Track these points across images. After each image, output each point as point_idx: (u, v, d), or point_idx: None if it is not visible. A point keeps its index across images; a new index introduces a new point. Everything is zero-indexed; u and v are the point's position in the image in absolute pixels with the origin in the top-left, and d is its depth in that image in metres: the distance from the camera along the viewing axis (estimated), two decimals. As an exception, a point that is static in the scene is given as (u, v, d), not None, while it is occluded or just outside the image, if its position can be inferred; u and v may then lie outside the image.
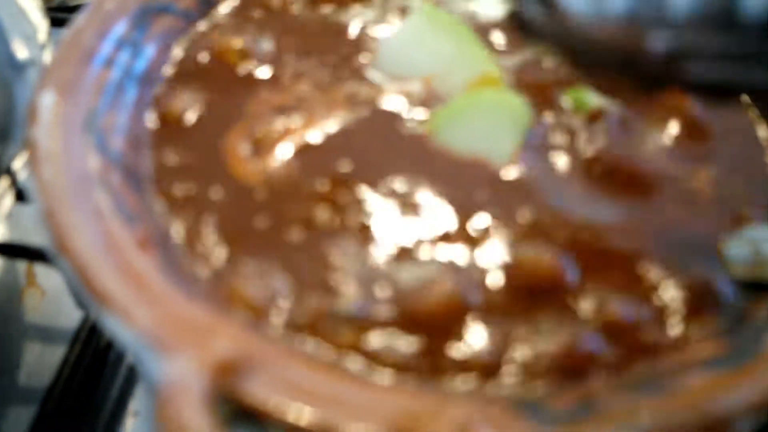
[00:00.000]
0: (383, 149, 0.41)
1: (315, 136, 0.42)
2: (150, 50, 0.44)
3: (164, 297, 0.33)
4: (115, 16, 0.43)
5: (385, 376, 0.33)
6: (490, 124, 0.41)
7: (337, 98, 0.44)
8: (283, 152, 0.41)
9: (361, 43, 0.47)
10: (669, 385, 0.32)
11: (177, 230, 0.38)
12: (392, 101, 0.44)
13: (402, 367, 0.33)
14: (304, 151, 0.41)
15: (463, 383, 0.33)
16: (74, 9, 0.50)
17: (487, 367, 0.34)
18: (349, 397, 0.31)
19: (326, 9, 0.50)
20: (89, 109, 0.39)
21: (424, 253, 0.37)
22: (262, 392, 0.30)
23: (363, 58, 0.46)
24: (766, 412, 0.31)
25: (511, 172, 0.41)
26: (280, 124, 0.42)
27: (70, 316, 0.51)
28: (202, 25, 0.48)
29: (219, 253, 0.37)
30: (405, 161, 0.41)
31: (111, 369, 0.50)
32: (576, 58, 0.36)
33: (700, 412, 0.30)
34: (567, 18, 0.34)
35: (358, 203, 0.39)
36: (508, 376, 0.34)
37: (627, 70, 0.34)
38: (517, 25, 0.36)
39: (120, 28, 0.43)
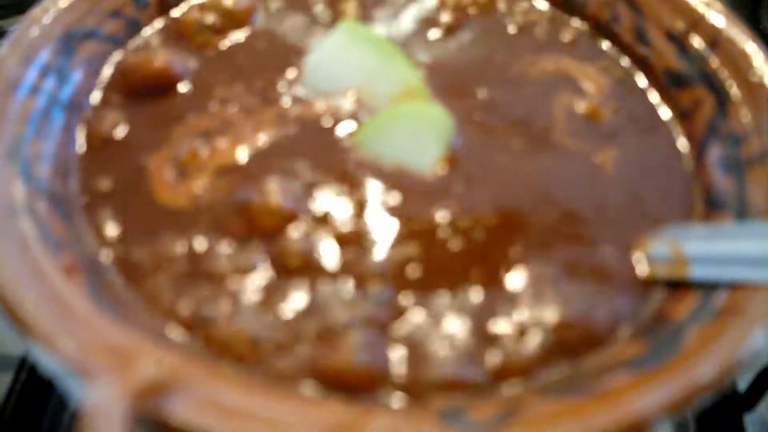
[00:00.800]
0: (311, 165, 0.42)
1: (241, 156, 0.42)
2: (77, 76, 0.44)
3: (89, 323, 0.33)
4: (39, 43, 0.43)
5: (309, 389, 0.33)
6: (414, 134, 0.42)
7: (265, 118, 0.44)
8: (209, 175, 0.41)
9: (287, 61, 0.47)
10: (590, 386, 0.33)
11: (105, 255, 0.38)
12: (319, 117, 0.44)
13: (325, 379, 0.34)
14: (231, 172, 0.41)
15: (388, 395, 0.34)
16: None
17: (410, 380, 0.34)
18: (275, 413, 0.31)
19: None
20: (14, 138, 0.39)
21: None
22: (186, 413, 0.30)
23: (290, 76, 0.46)
24: (685, 411, 0.32)
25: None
26: (206, 147, 0.42)
27: (16, 343, 0.51)
28: (128, 48, 0.48)
29: (147, 276, 0.37)
30: (333, 174, 0.41)
31: (60, 396, 0.50)
32: None
33: (621, 413, 0.31)
34: None
35: (283, 220, 0.39)
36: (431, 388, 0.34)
37: None
38: None
39: (45, 55, 0.43)
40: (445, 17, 0.51)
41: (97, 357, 0.31)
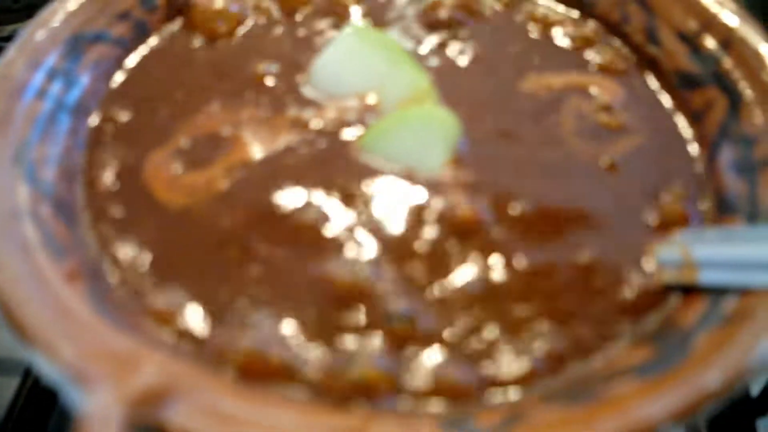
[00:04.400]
0: (317, 168, 0.41)
1: (247, 159, 0.42)
2: (84, 80, 0.44)
3: (90, 329, 0.33)
4: (46, 46, 0.43)
5: (304, 394, 0.33)
6: (420, 137, 0.42)
7: (276, 122, 0.44)
8: (213, 176, 0.41)
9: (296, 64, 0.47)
10: (597, 393, 0.32)
11: (107, 260, 0.38)
12: (328, 120, 0.44)
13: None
14: (236, 174, 0.41)
15: (387, 400, 0.33)
16: (7, 39, 0.49)
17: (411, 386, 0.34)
18: (274, 420, 0.31)
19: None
20: (19, 142, 0.39)
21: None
22: (184, 420, 0.30)
23: (299, 78, 0.46)
24: (693, 418, 0.31)
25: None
26: (212, 147, 0.42)
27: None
28: (138, 53, 0.48)
29: (148, 281, 0.37)
30: (340, 177, 0.41)
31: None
32: None
33: (627, 420, 0.30)
34: None
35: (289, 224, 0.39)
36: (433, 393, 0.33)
37: None
38: None
39: (52, 58, 0.43)
40: (452, 17, 0.51)
41: (95, 363, 0.31)
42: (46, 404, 0.49)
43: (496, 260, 0.38)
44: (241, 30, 0.50)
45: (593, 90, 0.47)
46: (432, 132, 0.42)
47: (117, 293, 0.36)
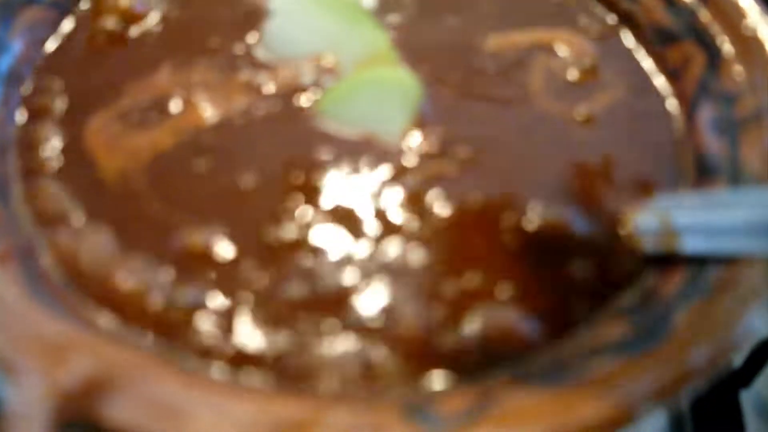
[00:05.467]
0: (270, 131, 0.39)
1: (196, 123, 0.39)
2: (16, 46, 0.41)
3: (20, 315, 0.30)
4: (-27, 10, 0.40)
5: (256, 380, 0.31)
6: (380, 101, 0.39)
7: (228, 86, 0.41)
8: (159, 138, 0.38)
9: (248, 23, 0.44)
10: (573, 373, 0.30)
11: (42, 238, 0.35)
12: (282, 83, 0.41)
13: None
14: (183, 137, 0.38)
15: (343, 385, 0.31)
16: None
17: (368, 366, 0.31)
18: (222, 410, 0.28)
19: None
20: (-54, 114, 0.36)
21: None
22: (122, 414, 0.27)
23: (251, 39, 0.43)
24: (677, 397, 0.29)
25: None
26: (158, 109, 0.39)
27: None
28: (75, 14, 0.44)
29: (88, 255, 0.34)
30: (294, 143, 0.38)
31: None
32: None
33: (607, 402, 0.28)
34: None
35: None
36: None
37: None
38: None
39: (-20, 23, 0.40)
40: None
41: (26, 352, 0.28)
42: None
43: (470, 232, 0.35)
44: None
45: (563, 47, 0.44)
46: (392, 95, 0.39)
47: (52, 274, 0.33)
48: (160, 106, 0.40)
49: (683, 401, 0.45)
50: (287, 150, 0.38)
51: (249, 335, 0.32)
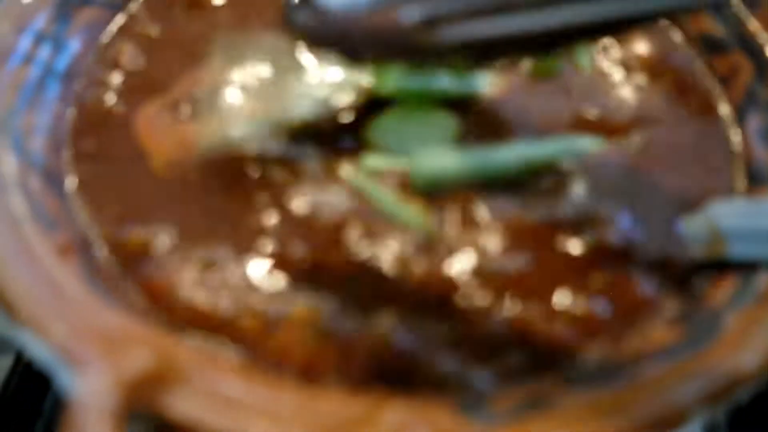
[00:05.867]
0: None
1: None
2: (74, 45, 0.42)
3: (82, 307, 0.31)
4: (33, 9, 0.41)
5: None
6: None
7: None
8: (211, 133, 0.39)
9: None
10: (623, 376, 0.30)
11: (97, 233, 0.35)
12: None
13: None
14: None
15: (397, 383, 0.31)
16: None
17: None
18: (282, 406, 0.29)
19: None
20: (5, 110, 0.37)
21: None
22: (184, 406, 0.28)
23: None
24: (727, 403, 0.29)
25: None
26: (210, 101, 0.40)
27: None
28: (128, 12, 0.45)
29: (141, 249, 0.35)
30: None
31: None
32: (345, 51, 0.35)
33: (657, 405, 0.29)
34: (328, 16, 0.34)
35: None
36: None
37: (391, 50, 0.34)
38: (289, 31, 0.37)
39: (39, 22, 0.41)
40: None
41: (89, 343, 0.29)
42: (40, 386, 0.47)
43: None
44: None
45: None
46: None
47: (109, 269, 0.34)
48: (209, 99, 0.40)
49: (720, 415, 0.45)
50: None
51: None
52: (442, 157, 0.37)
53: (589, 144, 0.38)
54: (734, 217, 0.35)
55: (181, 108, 0.40)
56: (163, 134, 0.39)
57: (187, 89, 0.41)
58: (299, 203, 0.36)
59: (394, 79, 0.40)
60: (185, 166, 0.38)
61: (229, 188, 0.37)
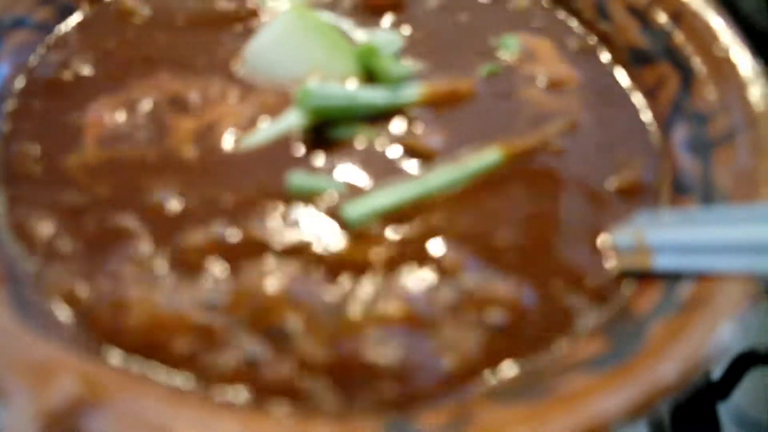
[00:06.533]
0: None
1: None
2: (4, 69, 0.41)
3: (12, 338, 0.30)
4: (-39, 33, 0.40)
5: (241, 396, 0.31)
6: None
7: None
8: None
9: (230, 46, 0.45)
10: (548, 389, 0.30)
11: (25, 264, 0.35)
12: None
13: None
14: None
15: (328, 403, 0.31)
16: None
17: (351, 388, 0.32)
18: (207, 428, 0.29)
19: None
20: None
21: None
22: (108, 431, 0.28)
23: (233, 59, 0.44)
24: (649, 414, 0.30)
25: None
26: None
27: None
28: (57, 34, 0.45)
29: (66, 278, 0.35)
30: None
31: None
32: None
33: (581, 417, 0.29)
34: None
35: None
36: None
37: None
38: None
39: (-30, 46, 0.40)
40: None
41: (14, 375, 0.29)
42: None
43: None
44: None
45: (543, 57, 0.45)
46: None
47: (34, 289, 0.34)
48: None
49: (663, 412, 0.46)
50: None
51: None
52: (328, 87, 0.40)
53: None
54: (660, 229, 0.35)
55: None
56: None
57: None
58: None
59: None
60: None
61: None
